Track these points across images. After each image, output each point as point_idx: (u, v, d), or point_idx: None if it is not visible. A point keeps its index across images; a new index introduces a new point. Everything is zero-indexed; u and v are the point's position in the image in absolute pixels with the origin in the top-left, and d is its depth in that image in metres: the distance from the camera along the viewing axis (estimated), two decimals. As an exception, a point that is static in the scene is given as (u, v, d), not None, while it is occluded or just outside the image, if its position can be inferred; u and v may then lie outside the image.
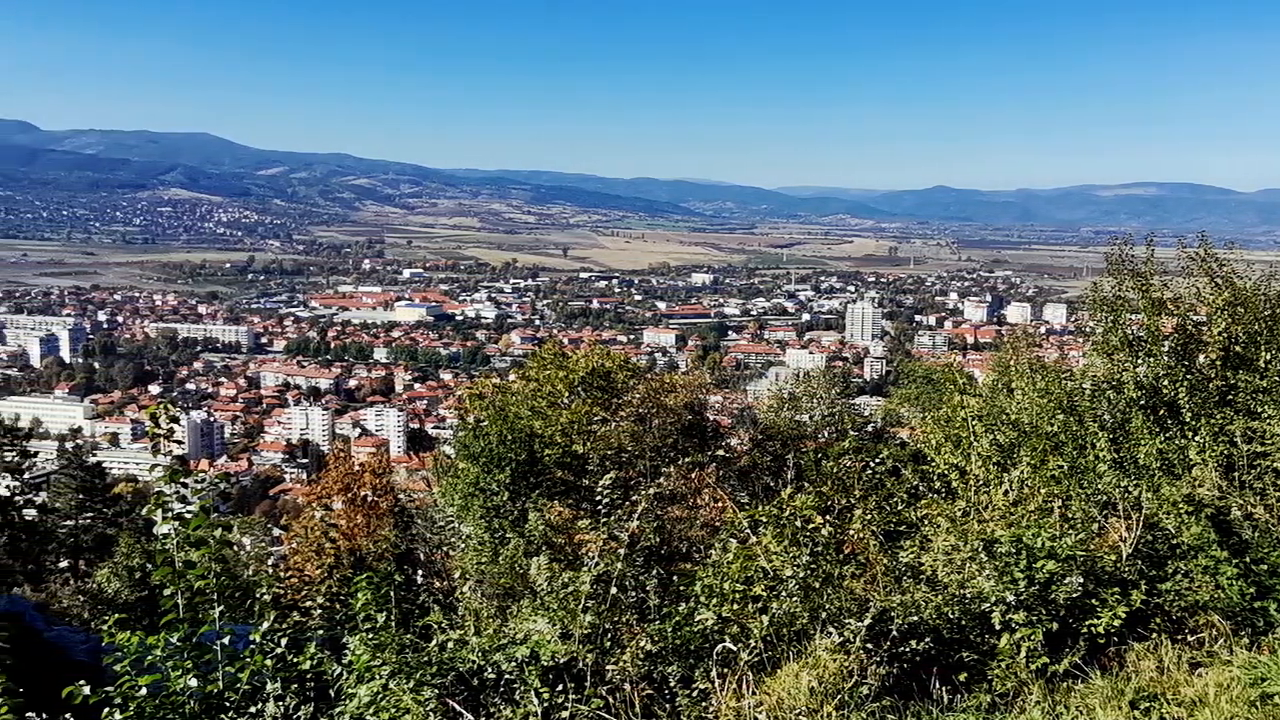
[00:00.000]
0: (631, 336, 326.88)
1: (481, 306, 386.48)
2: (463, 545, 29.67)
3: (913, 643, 9.18)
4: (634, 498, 10.84)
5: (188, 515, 8.83)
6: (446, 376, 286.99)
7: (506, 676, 8.18)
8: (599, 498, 11.05)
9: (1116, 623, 9.22)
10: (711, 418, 42.51)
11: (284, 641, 8.63)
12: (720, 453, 34.77)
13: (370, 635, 8.55)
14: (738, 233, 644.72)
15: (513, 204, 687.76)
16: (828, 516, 10.27)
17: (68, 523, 55.79)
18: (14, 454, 53.29)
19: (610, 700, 8.21)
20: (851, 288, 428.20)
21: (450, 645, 8.47)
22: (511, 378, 44.50)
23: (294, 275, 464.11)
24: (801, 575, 9.26)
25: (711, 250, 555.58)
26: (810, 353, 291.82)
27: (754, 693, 8.19)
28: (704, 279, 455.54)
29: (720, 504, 28.11)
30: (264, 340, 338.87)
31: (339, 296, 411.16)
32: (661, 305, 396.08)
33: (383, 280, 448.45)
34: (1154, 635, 9.29)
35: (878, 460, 15.00)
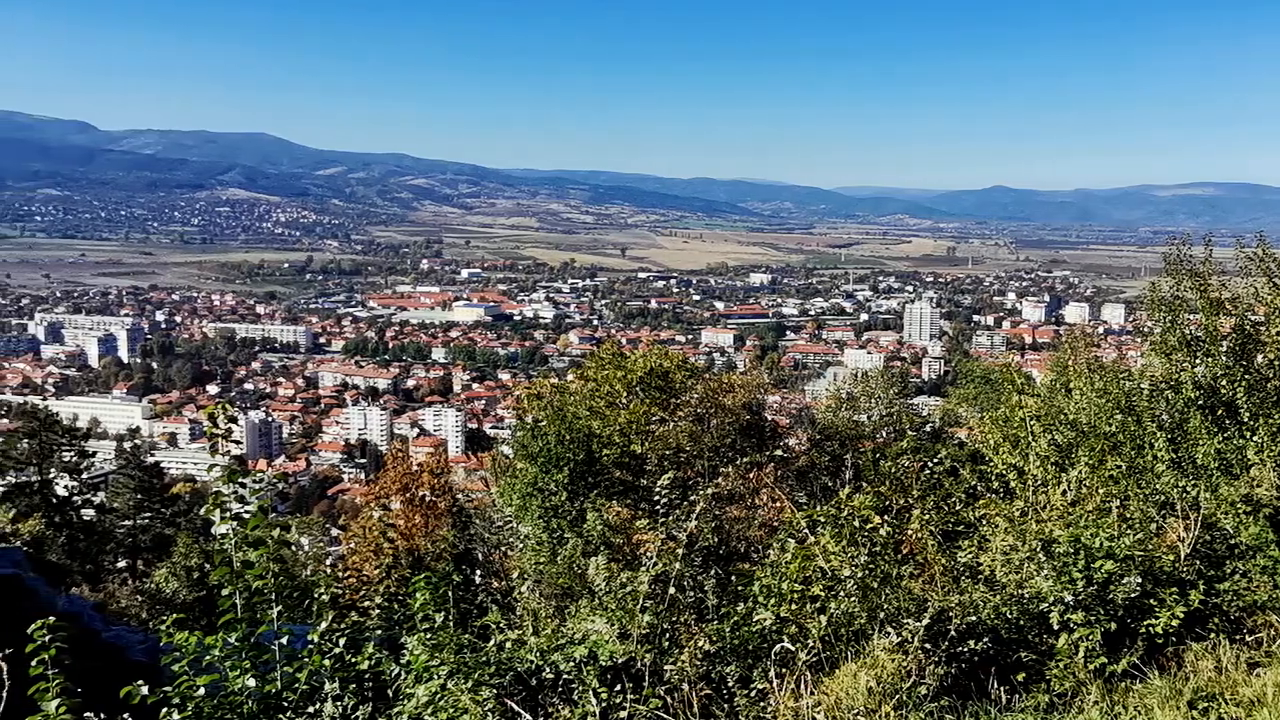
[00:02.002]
0: (689, 336, 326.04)
1: (539, 306, 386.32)
2: (521, 545, 29.75)
3: (971, 643, 9.19)
4: (692, 498, 10.87)
5: (246, 515, 8.87)
6: (504, 376, 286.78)
7: (565, 676, 8.22)
8: (657, 497, 11.06)
9: (1174, 623, 9.20)
10: (769, 418, 42.45)
11: (342, 641, 8.67)
12: (778, 453, 34.70)
13: (428, 635, 8.58)
14: (796, 233, 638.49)
15: (571, 204, 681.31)
16: (885, 516, 10.28)
17: (126, 523, 56.12)
18: (72, 454, 53.74)
19: (668, 700, 8.25)
20: (910, 288, 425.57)
21: (508, 645, 8.52)
22: (569, 378, 44.49)
23: (352, 275, 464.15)
24: (859, 575, 9.29)
25: (769, 250, 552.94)
26: (868, 353, 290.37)
27: (812, 693, 8.22)
28: (762, 279, 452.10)
29: (778, 504, 28.10)
30: (322, 340, 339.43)
31: (397, 297, 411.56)
32: (720, 305, 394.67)
33: (441, 280, 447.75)
34: (1212, 635, 9.27)
35: (936, 460, 14.96)
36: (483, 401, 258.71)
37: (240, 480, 9.13)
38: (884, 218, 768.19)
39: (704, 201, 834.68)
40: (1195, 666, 8.82)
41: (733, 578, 10.74)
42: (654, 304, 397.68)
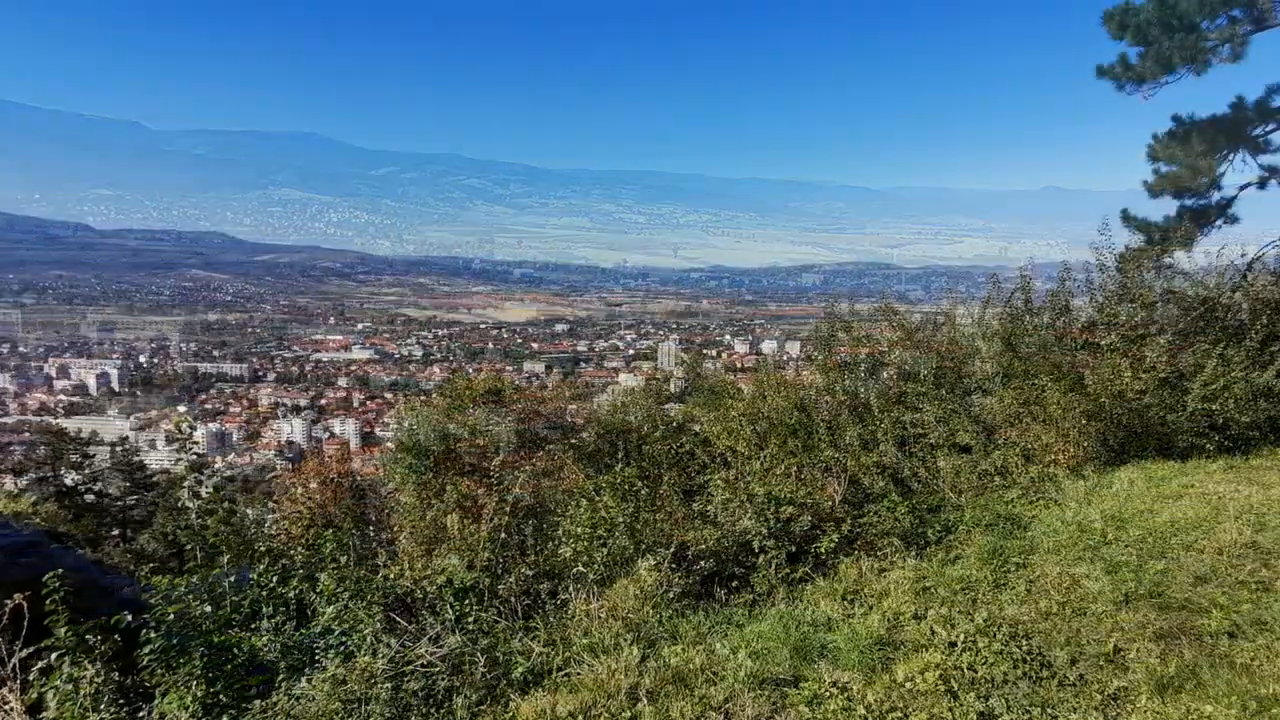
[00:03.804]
0: (516, 366, 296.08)
1: (412, 348, 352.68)
2: (401, 509, 29.32)
3: (702, 563, 9.36)
4: (517, 473, 10.93)
5: (204, 494, 8.85)
6: (389, 395, 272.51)
7: (430, 596, 8.21)
8: (493, 474, 11.18)
9: (832, 545, 9.49)
10: (570, 419, 42.30)
11: (274, 578, 8.61)
12: (574, 441, 34.75)
13: (335, 571, 8.54)
14: (586, 295, 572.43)
15: (623, 204, 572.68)
16: (646, 482, 10.43)
17: (118, 503, 54.50)
18: (78, 456, 52.51)
19: (501, 609, 8.28)
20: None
21: (391, 576, 8.47)
22: (434, 396, 43.77)
23: (280, 328, 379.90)
24: (628, 521, 9.40)
25: (569, 308, 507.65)
26: (634, 376, 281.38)
27: (598, 600, 8.28)
28: (564, 327, 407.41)
29: (575, 476, 28.16)
30: (260, 373, 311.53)
31: (312, 342, 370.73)
32: (536, 345, 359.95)
33: (343, 330, 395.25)
34: (856, 553, 9.55)
35: (679, 445, 15.26)
36: (374, 413, 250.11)
37: (200, 470, 9.05)
38: (644, 285, 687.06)
39: (756, 201, 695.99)
40: (845, 573, 9.09)
41: (545, 526, 10.79)
42: (491, 345, 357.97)
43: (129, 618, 7.50)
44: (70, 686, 7.03)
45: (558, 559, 9.23)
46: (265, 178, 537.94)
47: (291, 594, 8.60)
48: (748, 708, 6.26)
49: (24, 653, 7.30)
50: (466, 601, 8.16)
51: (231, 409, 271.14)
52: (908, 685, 6.38)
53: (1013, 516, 10.35)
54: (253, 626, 8.06)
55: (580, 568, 8.92)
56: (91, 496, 51.92)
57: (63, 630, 7.27)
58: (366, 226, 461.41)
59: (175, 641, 7.20)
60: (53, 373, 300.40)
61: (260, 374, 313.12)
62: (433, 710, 6.63)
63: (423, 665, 6.96)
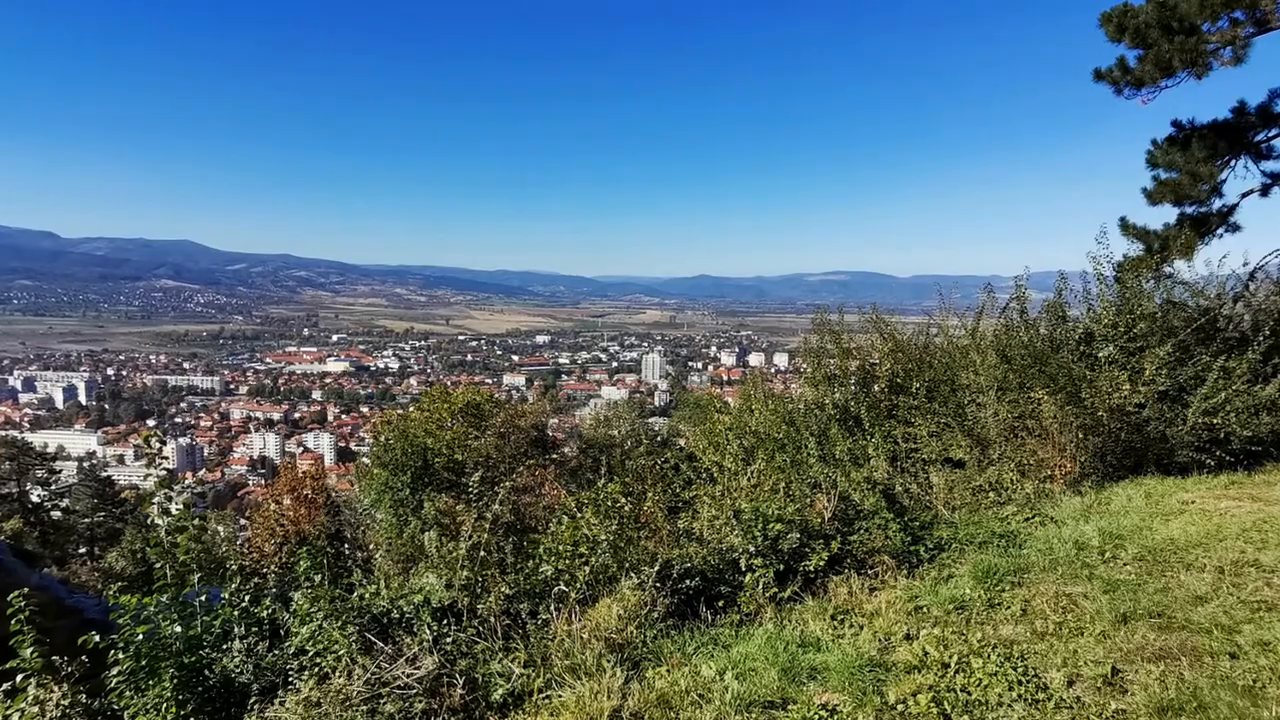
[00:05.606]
0: (495, 379, 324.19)
1: (389, 360, 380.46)
2: (376, 526, 29.23)
3: (687, 582, 9.31)
4: (496, 489, 10.87)
5: (174, 511, 8.78)
6: (365, 410, 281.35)
7: (407, 616, 8.15)
8: (471, 490, 11.12)
9: (821, 563, 9.46)
10: (551, 434, 42.40)
11: (247, 598, 8.52)
12: (555, 457, 34.75)
13: (309, 590, 8.45)
14: (567, 307, 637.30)
15: (410, 288, 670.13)
16: (629, 498, 10.40)
17: (85, 520, 54.08)
18: (43, 471, 52.08)
19: (480, 629, 8.23)
20: (645, 344, 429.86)
21: (367, 596, 8.41)
22: (411, 410, 43.74)
23: (253, 340, 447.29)
24: (611, 538, 9.36)
25: (549, 319, 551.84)
26: (618, 388, 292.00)
27: (580, 620, 8.25)
28: (544, 339, 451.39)
29: (557, 492, 28.13)
30: (232, 386, 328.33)
31: (286, 354, 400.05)
32: (516, 358, 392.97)
33: (317, 343, 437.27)
34: (846, 571, 9.52)
35: (663, 460, 15.22)
36: (349, 428, 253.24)
37: (169, 486, 9.00)
38: (627, 296, 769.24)
39: (503, 286, 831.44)
40: (835, 592, 9.06)
41: (525, 543, 10.73)
42: (470, 358, 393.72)
43: (97, 638, 7.44)
44: (36, 709, 6.95)
45: (539, 578, 9.17)
46: (149, 272, 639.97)
47: (264, 613, 8.53)
48: (735, 731, 6.25)
49: (-15, 675, 7.21)
50: (444, 621, 8.10)
51: (202, 422, 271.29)
52: (900, 708, 6.37)
53: (1007, 534, 10.32)
54: (224, 647, 7.99)
55: (562, 586, 8.87)
56: (58, 513, 51.63)
57: (28, 651, 7.17)
58: (225, 306, 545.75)
59: (145, 663, 7.13)
60: (18, 385, 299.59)
61: (233, 388, 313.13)
62: (409, 734, 6.60)
63: (399, 687, 6.93)
